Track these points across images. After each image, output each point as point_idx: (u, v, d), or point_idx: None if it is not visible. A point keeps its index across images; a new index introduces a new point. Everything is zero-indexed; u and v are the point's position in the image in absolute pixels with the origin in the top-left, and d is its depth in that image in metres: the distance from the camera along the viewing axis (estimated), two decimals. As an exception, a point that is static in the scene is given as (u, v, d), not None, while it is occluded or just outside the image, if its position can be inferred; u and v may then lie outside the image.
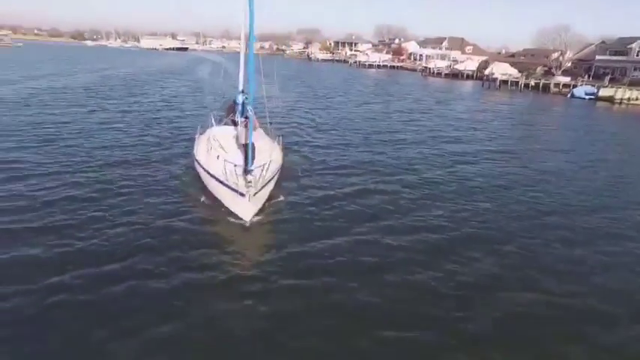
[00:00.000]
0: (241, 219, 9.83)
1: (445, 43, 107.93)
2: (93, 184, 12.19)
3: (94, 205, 10.77)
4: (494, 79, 62.53)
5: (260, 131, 14.85)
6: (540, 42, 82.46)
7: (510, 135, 26.54)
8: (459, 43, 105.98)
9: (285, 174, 13.66)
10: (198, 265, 8.22)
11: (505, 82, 62.43)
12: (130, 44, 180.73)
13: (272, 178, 10.98)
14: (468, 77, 76.27)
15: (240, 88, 14.01)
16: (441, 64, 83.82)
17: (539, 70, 75.35)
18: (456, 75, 78.50)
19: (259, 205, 10.34)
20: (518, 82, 62.46)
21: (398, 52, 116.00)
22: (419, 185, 14.11)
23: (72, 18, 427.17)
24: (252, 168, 10.11)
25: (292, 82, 57.04)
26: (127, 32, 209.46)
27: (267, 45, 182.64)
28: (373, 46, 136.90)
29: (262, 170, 10.10)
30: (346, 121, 26.46)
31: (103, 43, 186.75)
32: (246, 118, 13.27)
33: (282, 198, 11.88)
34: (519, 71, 67.33)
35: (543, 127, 30.98)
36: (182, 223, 9.95)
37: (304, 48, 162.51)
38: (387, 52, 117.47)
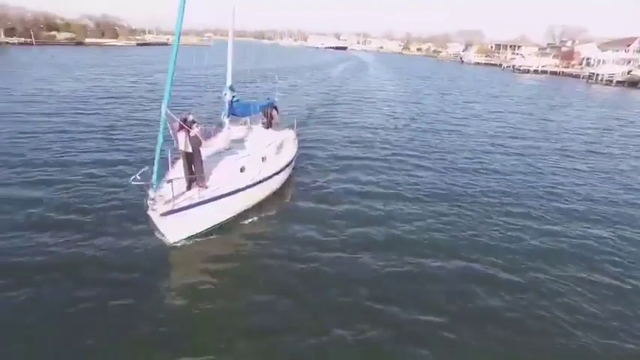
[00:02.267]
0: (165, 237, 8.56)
1: (636, 44, 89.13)
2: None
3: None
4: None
5: (273, 135, 12.63)
6: None
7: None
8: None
9: (291, 190, 12.18)
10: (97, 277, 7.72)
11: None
12: (297, 43, 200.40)
13: (217, 198, 8.91)
14: (655, 86, 61.81)
15: (228, 83, 11.49)
16: (615, 70, 69.89)
17: None
18: (635, 83, 64.55)
19: (188, 227, 8.70)
20: None
21: (568, 56, 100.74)
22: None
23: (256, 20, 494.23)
24: (156, 181, 8.18)
25: (417, 81, 56.29)
26: (299, 32, 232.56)
27: (424, 47, 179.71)
28: (540, 49, 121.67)
29: (174, 185, 8.26)
30: (417, 131, 22.20)
31: (277, 41, 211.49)
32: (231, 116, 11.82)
33: (257, 219, 10.12)
34: None
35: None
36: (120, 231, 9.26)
37: (463, 50, 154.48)
38: (555, 57, 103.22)
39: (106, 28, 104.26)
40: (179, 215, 8.24)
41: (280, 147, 12.05)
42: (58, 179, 11.94)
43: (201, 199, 8.58)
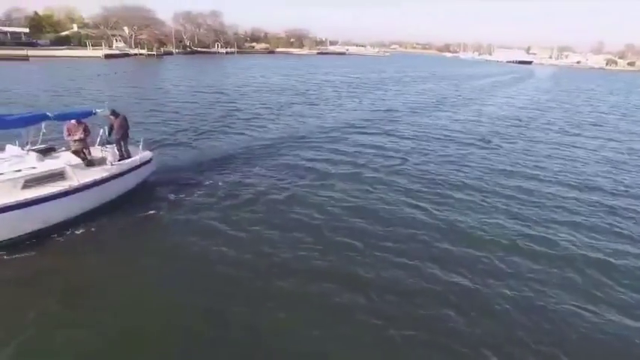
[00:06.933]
0: None
1: None
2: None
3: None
4: None
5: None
6: None
7: None
8: None
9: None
10: None
11: None
12: (480, 56, 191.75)
13: None
14: None
15: None
16: None
17: None
18: None
19: None
20: None
21: None
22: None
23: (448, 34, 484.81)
24: None
25: (556, 95, 51.28)
26: (487, 45, 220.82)
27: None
28: None
29: None
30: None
31: (458, 54, 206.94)
32: None
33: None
34: None
35: None
36: None
37: None
38: None
39: (295, 39, 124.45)
40: None
41: (42, 180, 9.05)
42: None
43: None
